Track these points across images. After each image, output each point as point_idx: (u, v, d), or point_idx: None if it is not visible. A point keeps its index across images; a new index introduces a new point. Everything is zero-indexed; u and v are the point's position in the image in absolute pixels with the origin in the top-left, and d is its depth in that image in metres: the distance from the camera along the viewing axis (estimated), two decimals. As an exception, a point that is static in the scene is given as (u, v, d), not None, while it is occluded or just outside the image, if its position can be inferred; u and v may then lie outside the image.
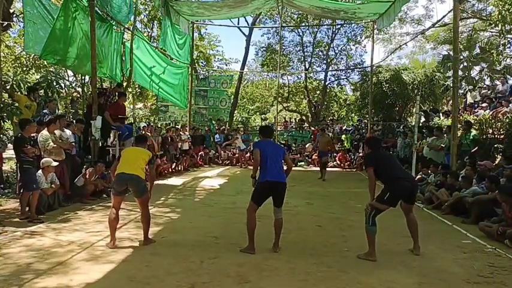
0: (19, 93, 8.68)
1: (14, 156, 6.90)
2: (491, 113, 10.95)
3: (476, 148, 9.22)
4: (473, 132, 9.61)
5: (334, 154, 16.38)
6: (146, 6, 18.84)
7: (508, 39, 17.50)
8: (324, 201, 8.20)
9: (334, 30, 24.43)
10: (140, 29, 16.53)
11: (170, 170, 12.78)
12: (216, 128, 18.23)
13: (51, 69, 11.89)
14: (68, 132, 7.60)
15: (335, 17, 17.49)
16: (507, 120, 9.45)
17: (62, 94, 12.52)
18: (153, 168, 5.24)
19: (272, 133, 5.12)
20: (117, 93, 9.79)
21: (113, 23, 10.23)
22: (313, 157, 16.19)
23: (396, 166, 4.77)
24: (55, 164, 6.65)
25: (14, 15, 12.25)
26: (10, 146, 8.98)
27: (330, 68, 25.23)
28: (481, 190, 6.54)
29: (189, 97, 17.06)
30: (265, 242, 4.92)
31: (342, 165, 15.80)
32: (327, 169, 12.46)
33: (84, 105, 10.56)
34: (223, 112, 19.32)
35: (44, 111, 8.11)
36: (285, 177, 4.65)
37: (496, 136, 9.52)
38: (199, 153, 15.69)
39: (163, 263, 4.17)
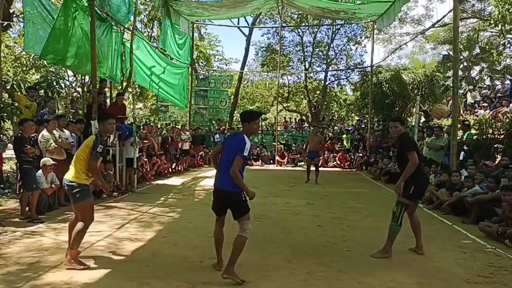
0: (19, 93, 8.68)
1: (14, 156, 6.89)
2: (491, 113, 10.95)
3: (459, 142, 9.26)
4: (472, 131, 9.62)
5: (334, 154, 16.40)
6: (146, 6, 18.86)
7: (508, 39, 17.53)
8: (324, 201, 8.19)
9: (334, 30, 24.46)
10: (140, 29, 16.53)
11: (170, 170, 12.79)
12: (216, 128, 18.24)
13: (51, 69, 11.89)
14: (66, 132, 7.59)
15: (335, 17, 17.51)
16: (507, 120, 9.46)
17: (62, 94, 12.53)
18: (92, 159, 3.98)
19: (249, 118, 3.85)
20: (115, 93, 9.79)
21: (113, 23, 10.23)
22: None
23: (422, 157, 4.69)
24: (52, 162, 6.63)
25: (14, 15, 12.26)
26: (10, 146, 8.98)
27: (330, 68, 25.25)
28: (482, 190, 6.55)
29: (189, 97, 17.06)
30: (265, 242, 4.92)
31: (342, 165, 15.81)
32: (320, 169, 11.49)
33: (84, 105, 10.57)
34: (223, 112, 19.33)
35: (42, 111, 8.09)
36: (229, 183, 3.64)
37: (496, 136, 9.52)
38: (199, 153, 15.71)
39: (163, 263, 4.17)
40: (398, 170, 5.02)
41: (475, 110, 12.59)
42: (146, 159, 11.14)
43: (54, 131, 7.14)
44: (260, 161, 16.91)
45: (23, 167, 6.23)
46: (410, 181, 4.44)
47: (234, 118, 22.64)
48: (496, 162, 8.34)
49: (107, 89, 11.09)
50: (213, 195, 3.87)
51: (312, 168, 11.25)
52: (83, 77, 15.00)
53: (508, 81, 13.81)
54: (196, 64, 20.65)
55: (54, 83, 10.04)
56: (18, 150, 6.26)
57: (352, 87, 26.69)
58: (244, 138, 3.71)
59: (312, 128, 18.63)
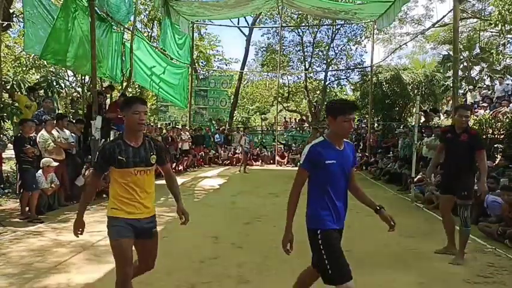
0: (19, 93, 8.68)
1: (14, 156, 6.89)
2: (491, 113, 10.94)
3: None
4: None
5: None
6: (146, 6, 18.87)
7: (508, 39, 17.52)
8: (324, 201, 8.18)
9: (334, 30, 24.46)
10: (140, 29, 16.54)
11: (170, 170, 12.78)
12: (216, 128, 18.25)
13: (51, 69, 11.91)
14: (67, 132, 7.59)
15: (335, 17, 17.52)
16: (507, 120, 9.45)
17: (62, 94, 12.54)
18: (91, 173, 2.92)
19: (335, 110, 2.58)
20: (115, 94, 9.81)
21: (112, 23, 10.23)
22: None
23: None
24: (55, 164, 6.65)
25: (14, 15, 12.27)
26: (10, 146, 8.97)
27: (330, 68, 25.24)
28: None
29: (189, 97, 17.06)
30: (265, 242, 4.92)
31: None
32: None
33: (84, 105, 10.58)
34: (223, 112, 19.34)
35: (37, 111, 8.06)
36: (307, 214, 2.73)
37: (496, 136, 9.52)
38: (200, 153, 15.72)
39: (164, 263, 4.16)
40: (449, 165, 4.52)
41: (475, 110, 12.58)
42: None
43: (54, 131, 7.13)
44: (260, 161, 16.92)
45: (23, 167, 6.23)
46: (473, 181, 4.25)
47: (234, 118, 22.64)
48: (496, 162, 8.34)
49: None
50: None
51: None
52: (83, 77, 15.01)
53: (508, 81, 13.80)
54: (196, 64, 20.66)
55: (54, 83, 10.05)
56: (18, 150, 6.26)
57: (352, 87, 26.71)
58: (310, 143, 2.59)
59: (312, 129, 18.67)
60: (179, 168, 13.48)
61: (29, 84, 9.41)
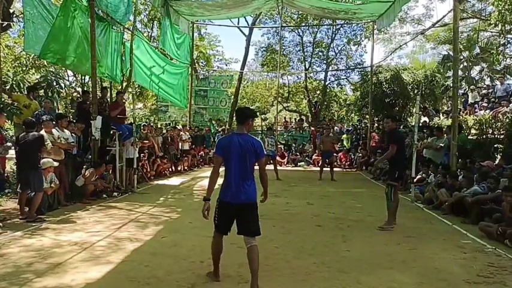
0: (19, 93, 8.68)
1: (14, 156, 6.89)
2: (491, 113, 10.94)
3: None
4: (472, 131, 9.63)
5: (335, 154, 16.38)
6: (146, 6, 18.88)
7: (508, 39, 17.52)
8: (324, 201, 8.19)
9: (334, 30, 24.46)
10: (140, 29, 16.54)
11: (170, 169, 12.79)
12: (217, 128, 18.25)
13: (51, 69, 11.89)
14: (67, 132, 7.58)
15: (335, 17, 17.53)
16: (507, 120, 9.45)
17: (62, 94, 12.54)
18: None
19: (246, 118, 3.55)
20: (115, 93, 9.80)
21: (111, 23, 10.21)
22: (314, 157, 16.22)
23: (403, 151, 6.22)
24: (56, 164, 6.65)
25: (14, 15, 12.25)
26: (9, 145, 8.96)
27: (330, 68, 25.24)
28: (481, 190, 6.54)
29: (189, 97, 17.06)
30: (265, 242, 4.92)
31: (342, 165, 15.81)
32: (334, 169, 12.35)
33: (74, 104, 10.52)
34: (223, 112, 19.34)
35: (37, 111, 8.03)
36: (253, 194, 3.62)
37: (496, 136, 9.52)
38: (200, 153, 15.72)
39: (163, 263, 4.17)
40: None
41: (475, 110, 12.59)
42: (146, 161, 11.13)
43: (54, 131, 7.12)
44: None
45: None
46: (396, 167, 5.82)
47: (234, 118, 22.62)
48: (496, 162, 8.34)
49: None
50: (224, 210, 3.63)
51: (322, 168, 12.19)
52: (83, 77, 15.01)
53: (508, 81, 13.81)
54: (196, 64, 20.66)
55: (54, 83, 10.04)
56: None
57: (352, 87, 26.71)
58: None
59: (311, 129, 18.70)
60: (179, 169, 13.49)
61: (29, 84, 9.40)
